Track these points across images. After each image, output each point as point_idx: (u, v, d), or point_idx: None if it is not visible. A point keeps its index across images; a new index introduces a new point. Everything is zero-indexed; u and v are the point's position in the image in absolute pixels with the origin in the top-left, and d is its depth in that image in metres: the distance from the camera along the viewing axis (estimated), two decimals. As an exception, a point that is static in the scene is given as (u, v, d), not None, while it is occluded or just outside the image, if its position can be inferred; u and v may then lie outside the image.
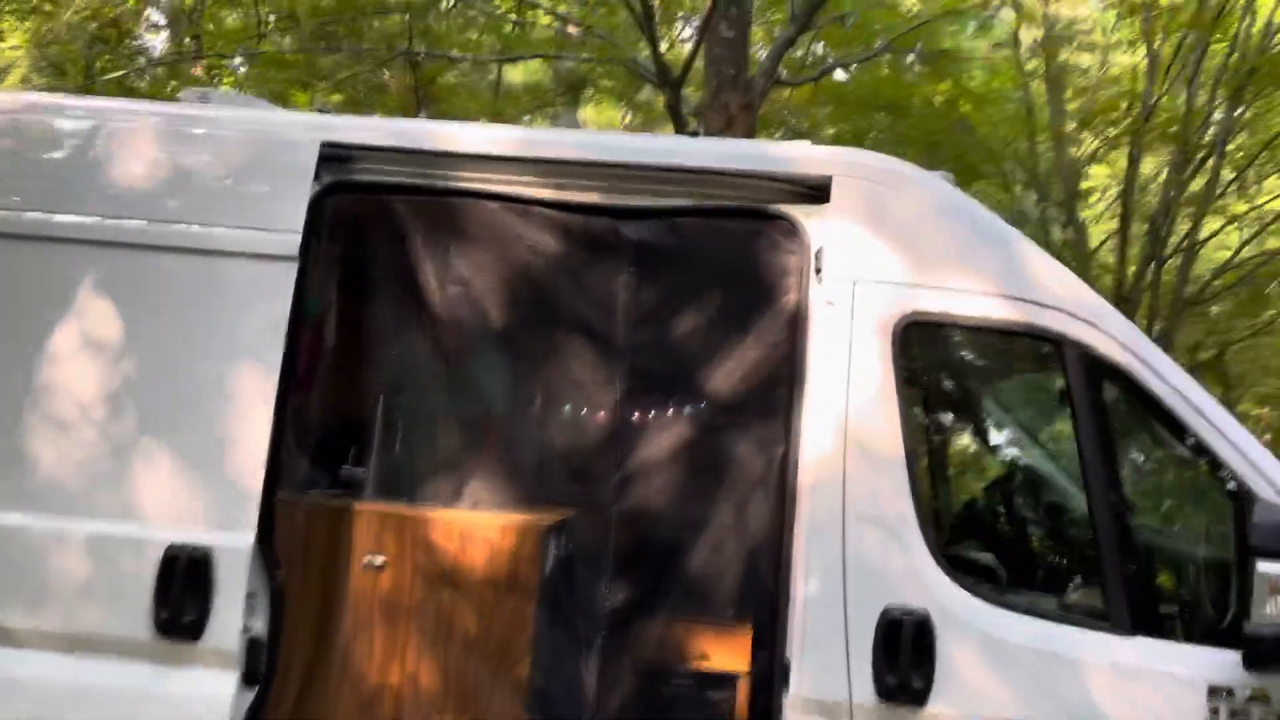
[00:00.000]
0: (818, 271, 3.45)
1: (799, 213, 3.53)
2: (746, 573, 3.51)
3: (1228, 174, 14.67)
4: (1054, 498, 4.06)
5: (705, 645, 3.56)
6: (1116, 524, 3.25)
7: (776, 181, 3.58)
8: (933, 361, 3.90)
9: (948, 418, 4.27)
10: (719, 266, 3.66)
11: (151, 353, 3.50)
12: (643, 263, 3.63)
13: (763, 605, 3.42)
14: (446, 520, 3.62)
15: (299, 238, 3.52)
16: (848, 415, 3.34)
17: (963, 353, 3.85)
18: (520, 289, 3.73)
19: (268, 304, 3.48)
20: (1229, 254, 16.44)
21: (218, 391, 3.44)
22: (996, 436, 4.34)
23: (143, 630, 3.35)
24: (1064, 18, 16.31)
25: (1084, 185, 16.84)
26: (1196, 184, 14.69)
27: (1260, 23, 13.91)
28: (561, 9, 10.44)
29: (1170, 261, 15.09)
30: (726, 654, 3.53)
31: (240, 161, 3.64)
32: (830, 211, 3.47)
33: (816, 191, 3.52)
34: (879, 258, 3.42)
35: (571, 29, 9.36)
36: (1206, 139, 14.09)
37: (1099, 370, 3.33)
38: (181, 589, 3.33)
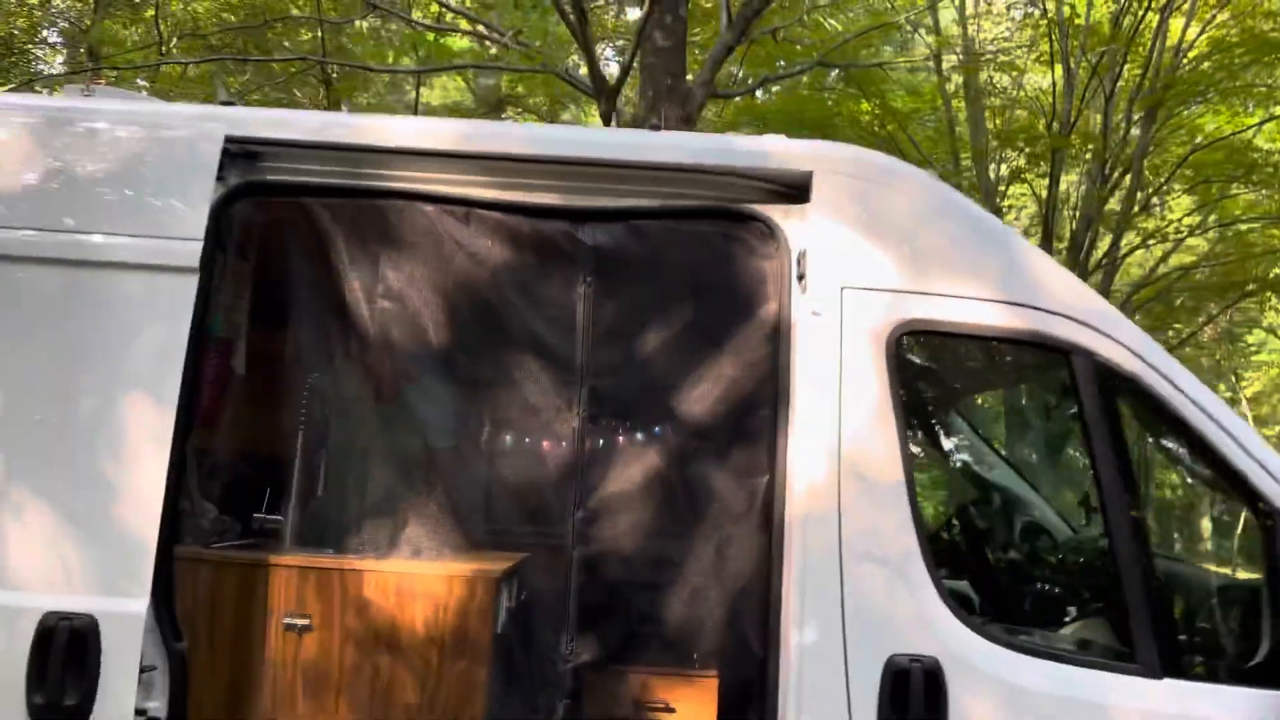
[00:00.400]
0: (800, 278, 3.08)
1: (776, 213, 3.16)
2: (730, 621, 3.10)
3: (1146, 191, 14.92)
4: (1066, 524, 3.74)
5: (685, 704, 3.13)
6: (1138, 551, 2.94)
7: (751, 179, 3.21)
8: (932, 375, 3.55)
9: (949, 438, 3.91)
10: (688, 274, 3.27)
11: (23, 383, 2.94)
12: (602, 272, 3.22)
13: (749, 657, 3.02)
14: (381, 572, 3.14)
15: (200, 246, 3.01)
16: (840, 439, 2.96)
17: (963, 364, 3.50)
18: (463, 304, 3.27)
19: (163, 324, 2.96)
20: (1147, 270, 16.78)
21: (103, 428, 2.90)
22: (1001, 457, 4.01)
23: (16, 717, 2.78)
24: (982, 39, 16.50)
25: (1005, 204, 17.00)
26: (1114, 202, 14.95)
27: (1172, 40, 14.26)
28: (487, 18, 9.99)
29: (1091, 278, 15.27)
30: (709, 713, 3.11)
31: (129, 160, 3.11)
32: (812, 211, 3.11)
33: (795, 189, 3.17)
34: (869, 261, 3.06)
35: (496, 41, 8.95)
36: (1125, 154, 14.31)
37: (1111, 381, 3.02)
38: (61, 666, 2.78)
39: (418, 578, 3.13)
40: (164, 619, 2.91)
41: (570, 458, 3.19)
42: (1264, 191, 15.49)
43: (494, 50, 12.13)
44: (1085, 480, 3.00)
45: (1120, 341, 3.04)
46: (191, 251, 3.01)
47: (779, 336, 3.09)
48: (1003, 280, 3.08)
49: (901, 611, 2.87)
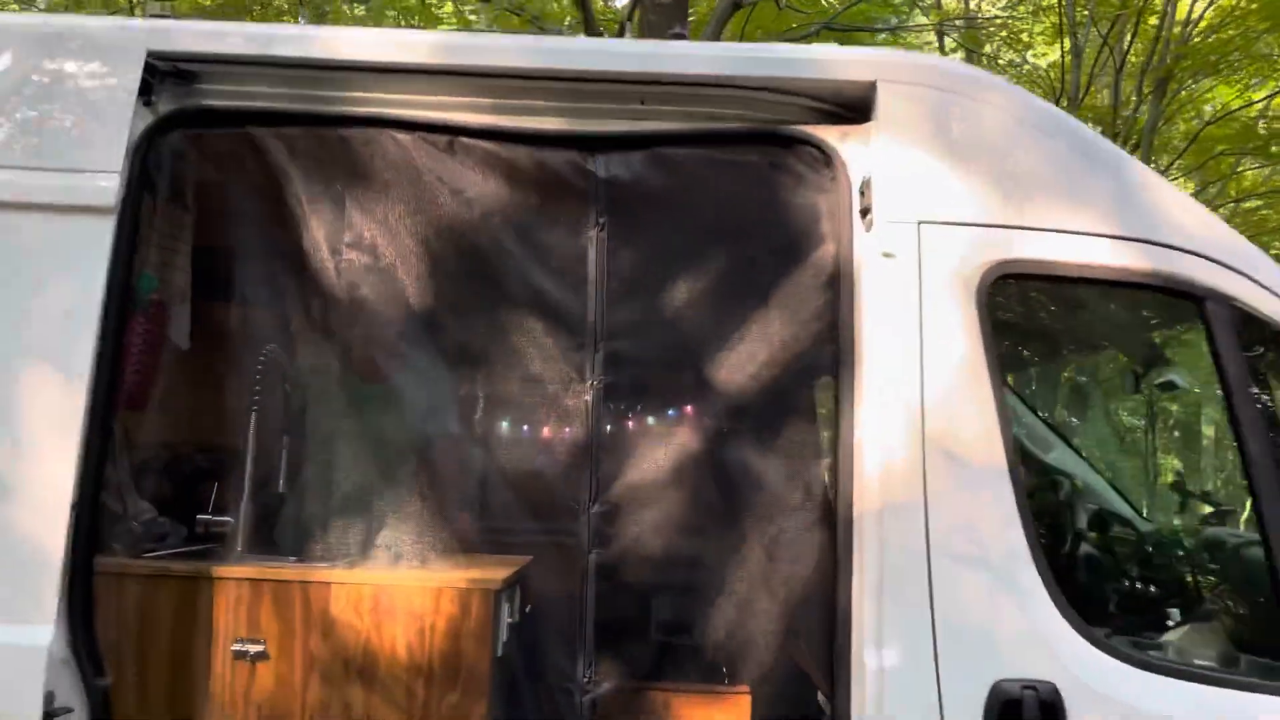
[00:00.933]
0: (864, 213, 2.50)
1: (832, 135, 2.58)
2: (785, 638, 2.52)
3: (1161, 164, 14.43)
4: (1204, 511, 3.14)
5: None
6: (1293, 544, 2.34)
7: (799, 95, 2.62)
8: (1033, 328, 2.94)
9: (1054, 406, 3.30)
10: (724, 212, 2.69)
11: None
12: (619, 211, 2.64)
13: (808, 683, 2.43)
14: (353, 584, 2.55)
15: (117, 183, 2.41)
16: (923, 411, 2.38)
17: (1071, 315, 2.89)
18: (448, 255, 2.69)
19: (70, 279, 2.37)
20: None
21: (-6, 410, 2.30)
22: (1118, 429, 3.40)
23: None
24: (985, 10, 15.96)
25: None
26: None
27: (1181, 14, 13.77)
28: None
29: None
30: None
31: (28, 80, 2.51)
32: (877, 131, 2.53)
33: (854, 106, 2.59)
34: (952, 190, 2.48)
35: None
36: (1135, 129, 13.79)
37: (1255, 332, 2.44)
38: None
39: (399, 590, 2.54)
40: (81, 648, 2.32)
41: (583, 439, 2.59)
42: (1276, 167, 15.04)
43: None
44: (1228, 456, 2.40)
45: (1265, 285, 2.46)
46: (105, 189, 2.41)
47: (839, 285, 2.52)
48: (1118, 211, 2.50)
49: (1008, 626, 2.29)
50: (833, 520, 2.44)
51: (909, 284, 2.45)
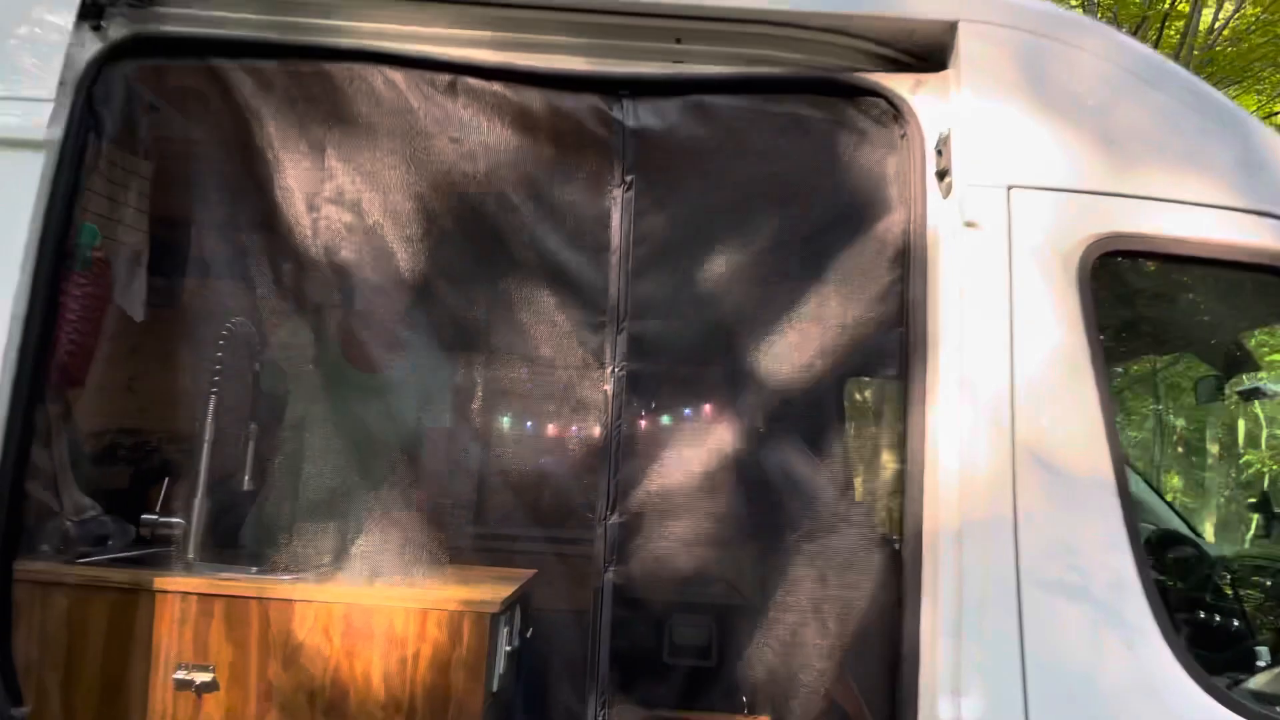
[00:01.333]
0: (941, 175, 2.11)
1: (902, 84, 2.20)
2: (834, 678, 2.10)
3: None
4: None
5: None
6: None
7: (864, 38, 2.22)
8: (1144, 313, 2.52)
9: (1168, 405, 2.88)
10: (772, 172, 2.30)
11: None
12: (649, 167, 2.26)
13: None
14: (323, 602, 2.14)
15: (49, 110, 2.01)
16: (1013, 410, 1.99)
17: (1188, 298, 2.47)
18: (445, 215, 2.30)
19: (-12, 224, 1.95)
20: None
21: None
22: (1241, 435, 2.99)
23: None
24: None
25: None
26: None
27: (1205, 21, 13.46)
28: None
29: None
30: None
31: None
32: (957, 80, 2.15)
33: (929, 52, 2.20)
34: (1048, 150, 2.10)
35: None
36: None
37: None
38: None
39: (377, 611, 2.14)
40: (-7, 673, 1.91)
41: (600, 437, 2.19)
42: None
43: None
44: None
45: None
46: (34, 120, 2.00)
47: (909, 261, 2.13)
48: (1242, 178, 2.10)
49: (1114, 671, 1.90)
50: (899, 541, 2.04)
51: (996, 259, 2.05)
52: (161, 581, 2.16)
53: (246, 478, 2.44)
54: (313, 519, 2.33)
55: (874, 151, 2.20)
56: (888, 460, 2.15)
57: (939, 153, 2.13)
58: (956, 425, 2.00)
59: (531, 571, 2.46)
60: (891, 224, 2.17)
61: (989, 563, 1.94)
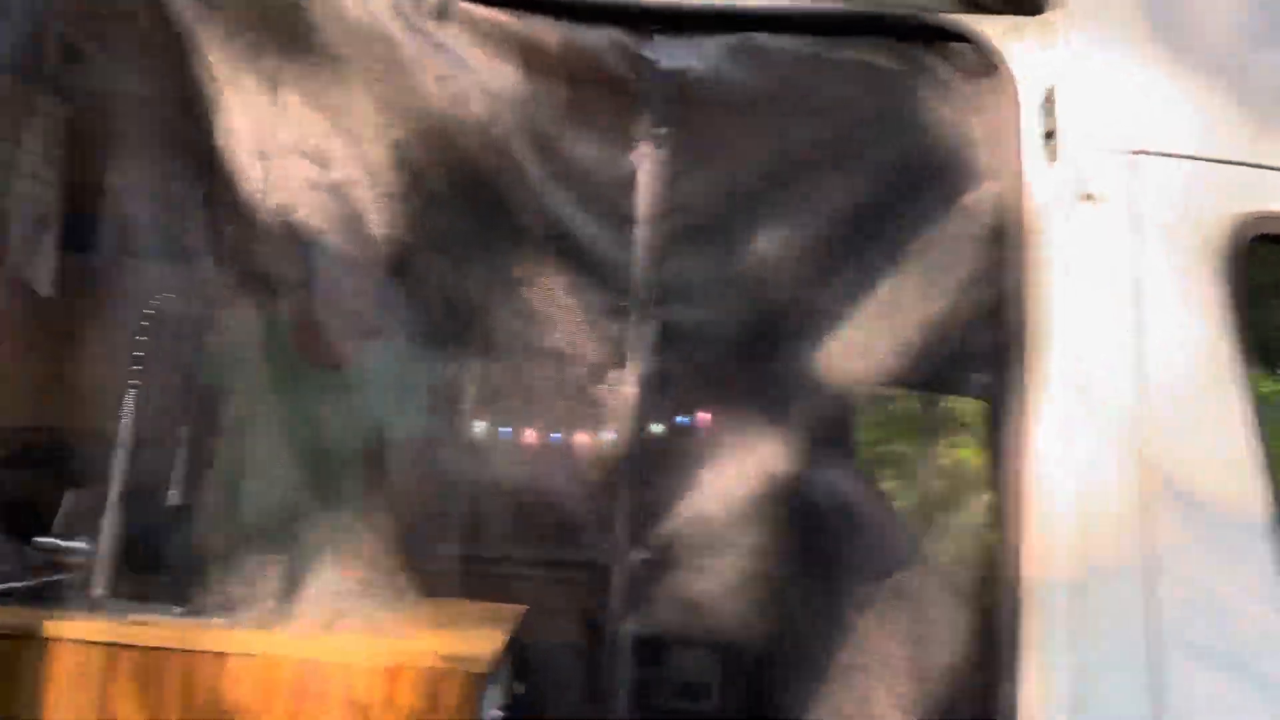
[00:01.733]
0: (1048, 136, 1.74)
1: (996, 28, 1.84)
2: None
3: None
4: None
5: None
6: None
7: (947, -29, 1.86)
8: None
9: None
10: (835, 131, 1.91)
11: None
12: (685, 120, 1.85)
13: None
14: (266, 654, 1.69)
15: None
16: (1143, 424, 1.62)
17: None
18: (432, 173, 1.86)
19: None
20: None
21: None
22: None
23: None
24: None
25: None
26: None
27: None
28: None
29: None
30: None
31: None
32: (1065, 24, 1.79)
33: (1028, -10, 1.84)
34: (1181, 110, 1.73)
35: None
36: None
37: None
38: None
39: (334, 668, 1.69)
40: None
41: (620, 451, 1.77)
42: None
43: None
44: None
45: None
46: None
47: (1006, 240, 1.75)
48: None
49: (1277, 756, 1.51)
50: (992, 588, 1.65)
51: (1119, 241, 1.68)
52: (54, 627, 1.69)
53: (172, 492, 1.99)
54: (255, 546, 1.88)
55: (961, 107, 1.82)
56: (980, 488, 1.76)
57: (1045, 110, 1.76)
58: (1069, 446, 1.62)
59: (522, 608, 2.04)
60: (983, 195, 1.79)
61: (1113, 618, 1.56)
